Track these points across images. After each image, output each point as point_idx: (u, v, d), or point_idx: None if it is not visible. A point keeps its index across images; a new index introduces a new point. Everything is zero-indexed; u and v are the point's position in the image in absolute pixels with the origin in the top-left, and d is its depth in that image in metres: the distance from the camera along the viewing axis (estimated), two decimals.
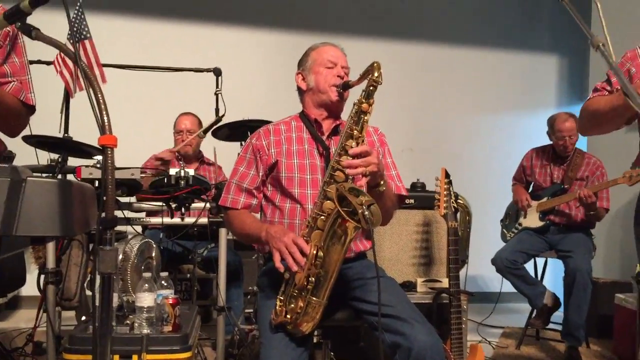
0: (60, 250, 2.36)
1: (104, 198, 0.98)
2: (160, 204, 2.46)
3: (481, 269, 3.60)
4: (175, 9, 4.57)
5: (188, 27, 4.57)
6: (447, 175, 2.37)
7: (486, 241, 3.48)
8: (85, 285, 2.39)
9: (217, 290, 2.49)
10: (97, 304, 1.00)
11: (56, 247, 2.34)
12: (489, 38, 5.11)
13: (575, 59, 5.16)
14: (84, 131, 2.20)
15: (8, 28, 1.52)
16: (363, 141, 1.60)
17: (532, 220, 3.38)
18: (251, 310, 3.08)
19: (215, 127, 3.00)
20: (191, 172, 2.42)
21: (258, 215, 1.85)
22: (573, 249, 3.11)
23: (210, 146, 2.99)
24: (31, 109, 1.65)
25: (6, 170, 0.96)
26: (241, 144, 3.03)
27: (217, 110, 3.04)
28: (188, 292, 3.04)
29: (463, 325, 2.27)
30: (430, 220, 2.78)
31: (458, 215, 2.43)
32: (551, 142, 3.43)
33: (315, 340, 1.81)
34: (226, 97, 3.05)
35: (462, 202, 2.94)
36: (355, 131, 1.60)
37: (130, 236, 2.24)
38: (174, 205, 2.46)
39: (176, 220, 2.51)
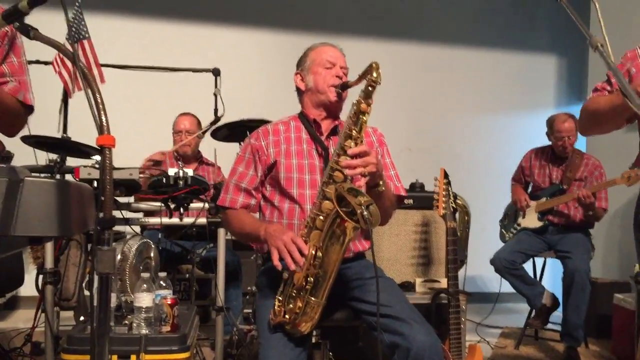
0: (58, 251, 2.36)
1: (102, 198, 0.99)
2: (158, 204, 2.46)
3: (480, 269, 3.60)
4: (174, 9, 4.56)
5: (187, 27, 4.57)
6: (446, 176, 2.37)
7: (485, 241, 3.47)
8: (83, 285, 2.39)
9: (216, 290, 2.49)
10: (95, 304, 1.00)
11: (54, 247, 2.35)
12: (488, 38, 5.11)
13: (574, 59, 5.16)
14: (83, 131, 2.21)
15: (6, 28, 1.51)
16: (362, 141, 1.59)
17: (530, 220, 3.38)
18: (250, 311, 3.08)
19: (214, 127, 3.00)
20: (190, 172, 2.43)
21: (257, 216, 1.85)
22: (572, 249, 3.11)
23: (209, 146, 2.99)
24: (30, 109, 1.64)
25: (4, 170, 0.95)
26: (240, 144, 3.03)
27: (216, 110, 3.04)
28: (186, 292, 3.03)
29: (462, 326, 2.27)
30: (429, 220, 2.78)
31: (457, 215, 2.43)
32: (550, 143, 3.43)
33: (313, 340, 1.80)
34: (225, 97, 3.06)
35: (460, 202, 2.94)
36: (354, 131, 1.59)
37: (128, 236, 2.24)
38: (172, 206, 2.46)
39: (175, 220, 2.50)
